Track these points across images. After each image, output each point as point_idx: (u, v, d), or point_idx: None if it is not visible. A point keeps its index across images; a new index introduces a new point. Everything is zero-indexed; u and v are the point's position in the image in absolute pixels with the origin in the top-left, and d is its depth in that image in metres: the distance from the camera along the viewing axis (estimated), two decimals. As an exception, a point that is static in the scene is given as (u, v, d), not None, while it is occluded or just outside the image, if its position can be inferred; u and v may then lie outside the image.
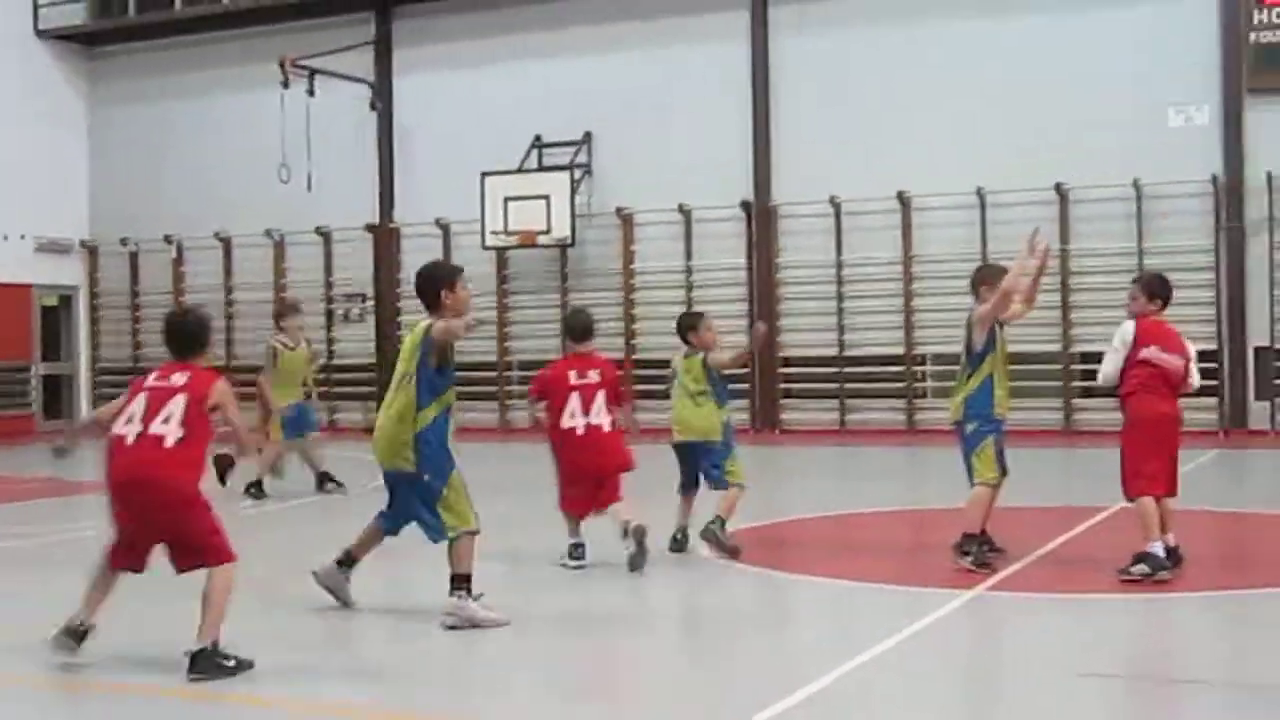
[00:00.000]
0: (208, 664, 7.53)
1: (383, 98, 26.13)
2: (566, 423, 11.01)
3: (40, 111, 28.15)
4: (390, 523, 9.22)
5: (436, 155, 25.69)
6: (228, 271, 27.64)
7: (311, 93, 24.56)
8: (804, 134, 23.39)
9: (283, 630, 8.88)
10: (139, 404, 7.89)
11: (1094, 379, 11.94)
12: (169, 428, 7.75)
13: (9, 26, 27.84)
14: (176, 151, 27.99)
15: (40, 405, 28.20)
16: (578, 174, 24.34)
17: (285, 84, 24.12)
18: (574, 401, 11.02)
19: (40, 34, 28.41)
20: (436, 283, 9.50)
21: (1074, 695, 7.24)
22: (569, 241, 24.20)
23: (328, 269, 26.84)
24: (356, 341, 26.62)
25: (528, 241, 24.26)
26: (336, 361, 26.68)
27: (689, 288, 24.14)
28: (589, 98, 24.57)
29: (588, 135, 24.59)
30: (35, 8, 28.32)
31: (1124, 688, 7.62)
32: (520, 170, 24.55)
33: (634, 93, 24.34)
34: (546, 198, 23.91)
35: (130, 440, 7.78)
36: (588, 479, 11.02)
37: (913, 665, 7.98)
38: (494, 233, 24.26)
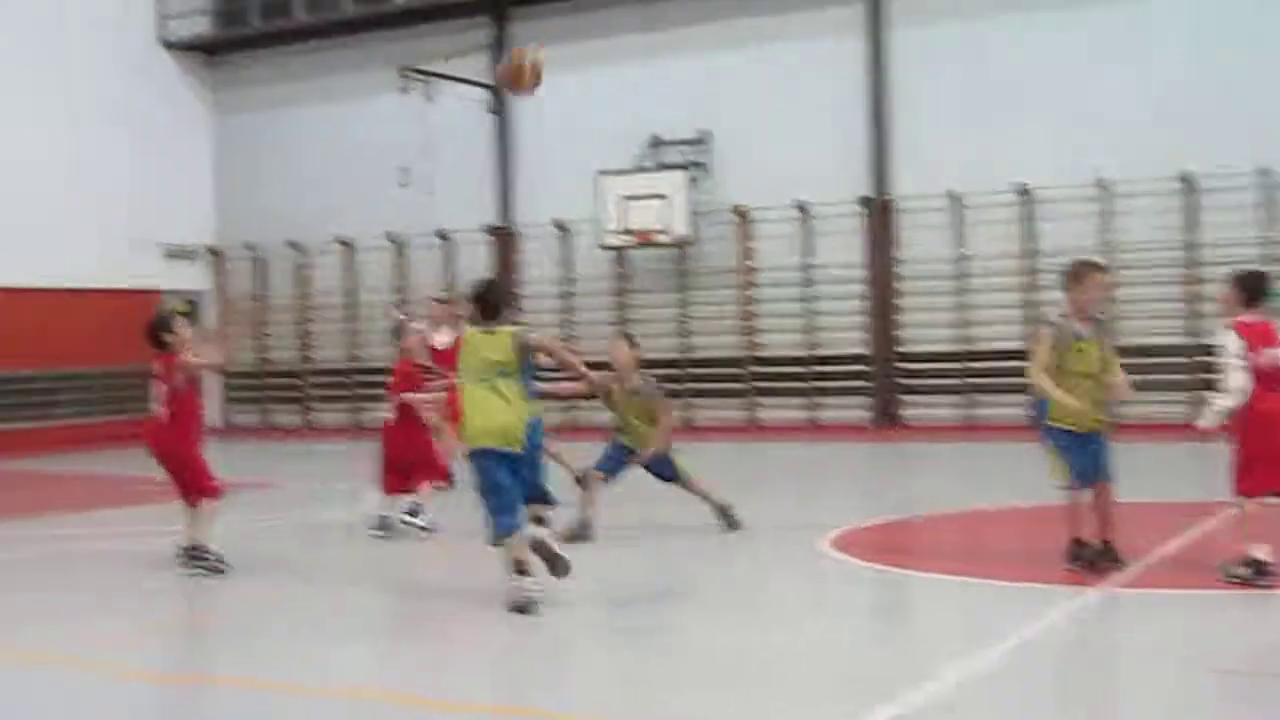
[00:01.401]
0: None
1: (500, 101, 26.31)
2: None
3: (167, 121, 28.75)
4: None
5: (554, 156, 25.82)
6: (350, 275, 27.99)
7: (430, 98, 24.81)
8: (922, 127, 23.18)
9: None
10: None
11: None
12: None
13: (136, 38, 28.43)
14: (298, 158, 28.42)
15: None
16: (695, 172, 24.32)
17: (404, 89, 24.38)
18: None
19: (166, 45, 28.99)
20: (507, 298, 10.38)
21: (1206, 691, 7.10)
22: (687, 240, 24.20)
23: (448, 271, 27.08)
24: (477, 342, 26.77)
25: (645, 241, 24.30)
26: (458, 362, 26.87)
27: (808, 284, 24.03)
28: (706, 95, 24.54)
29: (705, 133, 24.57)
30: (161, 19, 28.89)
31: (1257, 685, 7.46)
32: (637, 170, 24.59)
33: (751, 89, 24.27)
34: (664, 197, 23.93)
35: None
36: None
37: (1039, 661, 7.89)
38: (612, 232, 24.33)
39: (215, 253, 29.53)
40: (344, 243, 27.86)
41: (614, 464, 12.63)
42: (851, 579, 10.54)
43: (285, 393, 28.63)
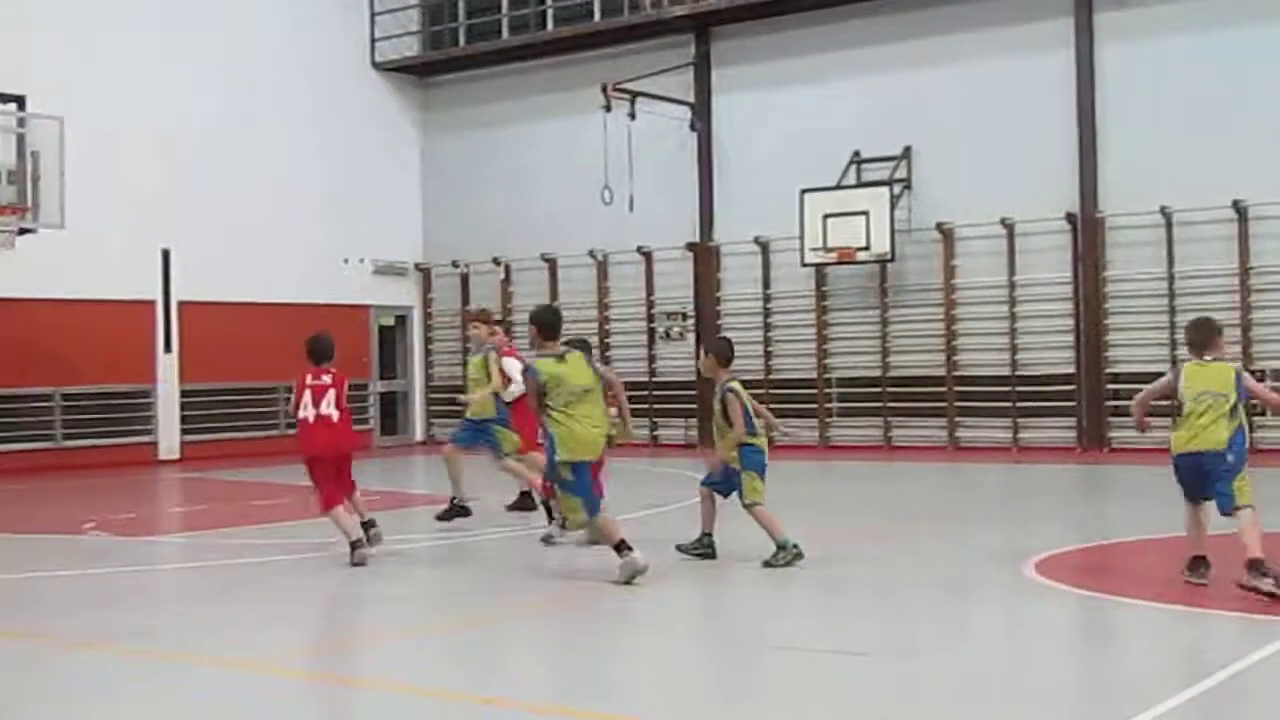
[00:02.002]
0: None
1: (702, 118, 26.40)
2: None
3: (377, 141, 29.48)
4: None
5: (755, 173, 25.82)
6: (553, 291, 28.33)
7: (633, 115, 25.03)
8: (1132, 143, 22.62)
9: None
10: None
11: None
12: None
13: (348, 60, 29.21)
14: (503, 175, 28.88)
15: (378, 421, 29.43)
16: (897, 189, 24.11)
17: (607, 108, 24.63)
18: None
19: (376, 66, 29.73)
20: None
21: None
22: (889, 257, 23.99)
23: (649, 288, 27.24)
24: (677, 359, 26.92)
25: (847, 258, 24.15)
26: (658, 379, 27.07)
27: (1012, 303, 23.62)
28: (908, 112, 24.32)
29: (907, 150, 24.34)
30: (372, 41, 29.64)
31: None
32: (839, 186, 24.46)
33: (954, 105, 23.99)
34: (866, 214, 23.76)
35: None
36: None
37: (1260, 693, 7.62)
38: (813, 249, 24.23)
39: (422, 269, 30.15)
40: (547, 259, 28.21)
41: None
42: (1057, 605, 10.32)
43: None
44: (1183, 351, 13.36)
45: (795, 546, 11.64)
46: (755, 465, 12.35)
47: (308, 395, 12.78)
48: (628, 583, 10.78)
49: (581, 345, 12.12)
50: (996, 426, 23.77)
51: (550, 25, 28.57)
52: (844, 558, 12.57)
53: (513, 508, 15.34)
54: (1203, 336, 10.56)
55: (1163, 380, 10.77)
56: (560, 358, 11.28)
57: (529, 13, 28.84)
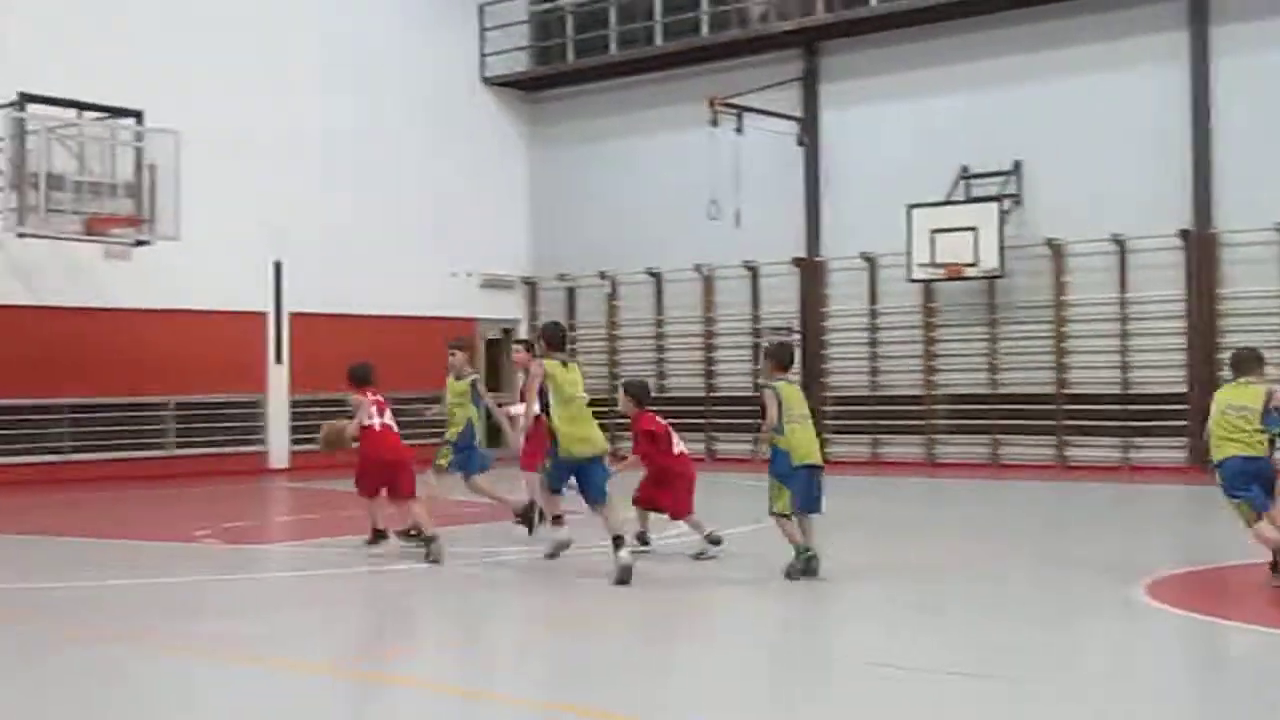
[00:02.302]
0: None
1: (809, 132, 26.33)
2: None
3: (485, 155, 29.71)
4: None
5: (862, 188, 25.70)
6: (658, 305, 28.38)
7: (740, 130, 25.02)
8: (1248, 157, 22.22)
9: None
10: None
11: None
12: None
13: (459, 76, 29.49)
14: (610, 190, 28.98)
15: (483, 434, 29.53)
16: (1006, 204, 23.87)
17: (714, 122, 24.64)
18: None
19: (486, 81, 29.97)
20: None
21: None
22: (998, 273, 23.75)
23: (755, 303, 27.20)
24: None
25: (955, 274, 23.95)
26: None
27: (1123, 320, 23.29)
28: (1018, 126, 24.09)
29: (1017, 164, 24.09)
30: (482, 57, 29.89)
31: None
32: (947, 202, 24.27)
33: (1065, 120, 23.71)
34: (974, 229, 23.56)
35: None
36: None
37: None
38: (920, 265, 24.06)
39: (529, 283, 30.33)
40: (653, 273, 28.26)
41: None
42: (1168, 628, 10.16)
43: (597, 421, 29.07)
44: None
45: (807, 550, 11.91)
46: (776, 472, 12.20)
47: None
48: (552, 556, 12.70)
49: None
50: (1107, 445, 23.44)
51: (658, 40, 28.65)
52: (949, 576, 12.47)
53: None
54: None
55: None
56: (564, 363, 12.65)
57: (637, 28, 28.94)
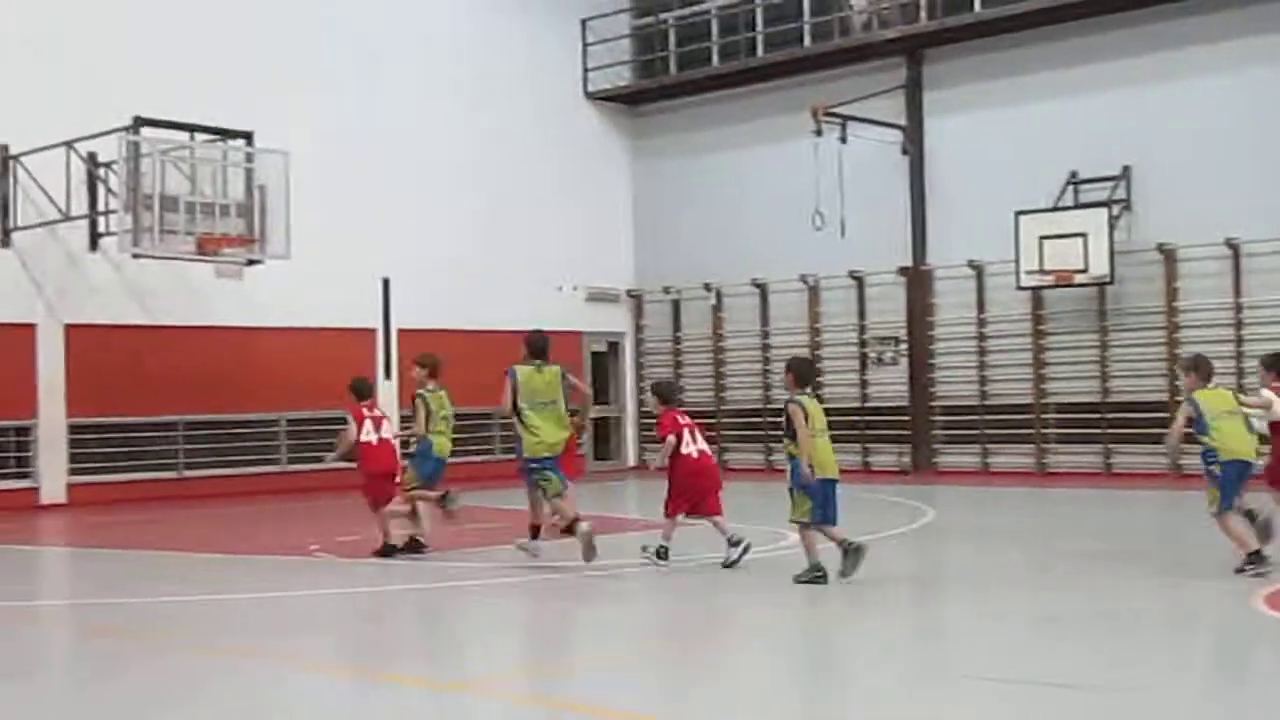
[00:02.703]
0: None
1: (914, 140, 26.16)
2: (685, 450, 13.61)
3: (589, 169, 29.87)
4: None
5: (969, 196, 25.48)
6: (764, 316, 28.31)
7: (844, 139, 24.91)
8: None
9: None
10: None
11: None
12: None
13: (563, 91, 29.67)
14: (714, 201, 28.99)
15: (590, 447, 29.69)
16: (1116, 210, 23.55)
17: (818, 132, 24.55)
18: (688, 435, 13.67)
19: (589, 96, 30.12)
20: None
21: None
22: (1108, 279, 23.43)
23: (860, 313, 27.05)
24: (890, 385, 26.67)
25: (1064, 281, 23.66)
26: (869, 404, 26.85)
27: (1238, 325, 22.87)
28: (1127, 131, 23.76)
29: (1126, 169, 23.77)
30: (585, 72, 30.05)
31: None
32: (1056, 208, 24.00)
33: (1174, 123, 23.35)
34: (1083, 235, 23.27)
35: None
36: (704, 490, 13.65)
37: None
38: (1029, 272, 23.80)
39: (634, 296, 30.40)
40: (758, 284, 28.21)
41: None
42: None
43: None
44: None
45: (820, 569, 12.08)
46: (797, 482, 12.21)
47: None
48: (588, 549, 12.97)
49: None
50: (1222, 453, 22.97)
51: (760, 51, 28.63)
52: (1060, 585, 12.32)
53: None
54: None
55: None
56: (538, 369, 13.82)
57: (739, 39, 28.94)
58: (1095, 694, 8.22)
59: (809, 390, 12.68)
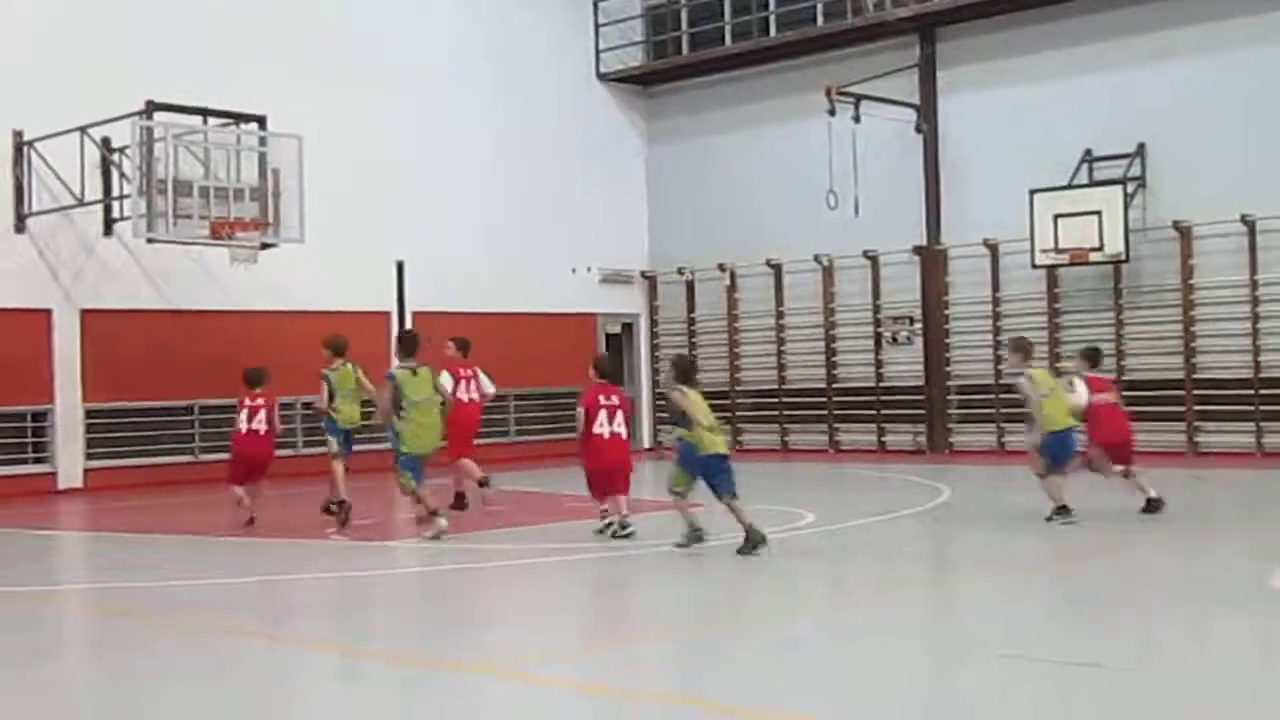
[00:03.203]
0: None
1: (928, 119, 26.09)
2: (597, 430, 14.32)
3: (602, 151, 29.84)
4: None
5: (983, 174, 25.42)
6: (778, 297, 28.29)
7: (857, 119, 24.84)
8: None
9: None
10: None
11: None
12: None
13: (574, 73, 29.63)
14: (727, 183, 28.96)
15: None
16: (1131, 187, 23.47)
17: (831, 112, 24.49)
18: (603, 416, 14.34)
19: (601, 78, 30.07)
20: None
21: None
22: (1123, 257, 23.36)
23: (875, 292, 27.01)
24: (905, 364, 26.65)
25: (1079, 259, 23.60)
26: (884, 384, 26.83)
27: (1254, 302, 22.80)
28: (1141, 108, 23.67)
29: (1141, 147, 23.69)
30: (597, 54, 30.00)
31: None
32: (1070, 186, 23.92)
33: (1189, 99, 23.25)
34: (1098, 213, 23.19)
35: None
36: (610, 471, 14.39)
37: None
38: (1043, 251, 23.74)
39: (648, 277, 30.38)
40: (772, 265, 28.17)
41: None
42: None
43: (715, 414, 29.05)
44: None
45: (698, 529, 13.29)
46: (682, 461, 13.40)
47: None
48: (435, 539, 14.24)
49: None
50: (1238, 431, 22.97)
51: (773, 31, 28.55)
52: (1080, 565, 12.30)
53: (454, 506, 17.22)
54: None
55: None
56: (413, 370, 14.88)
57: (751, 19, 28.86)
58: (1121, 674, 8.22)
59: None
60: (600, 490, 14.48)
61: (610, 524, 14.32)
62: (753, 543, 12.70)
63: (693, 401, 13.33)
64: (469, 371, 17.56)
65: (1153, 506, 15.16)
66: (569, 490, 19.72)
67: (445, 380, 16.67)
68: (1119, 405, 16.30)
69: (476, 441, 17.80)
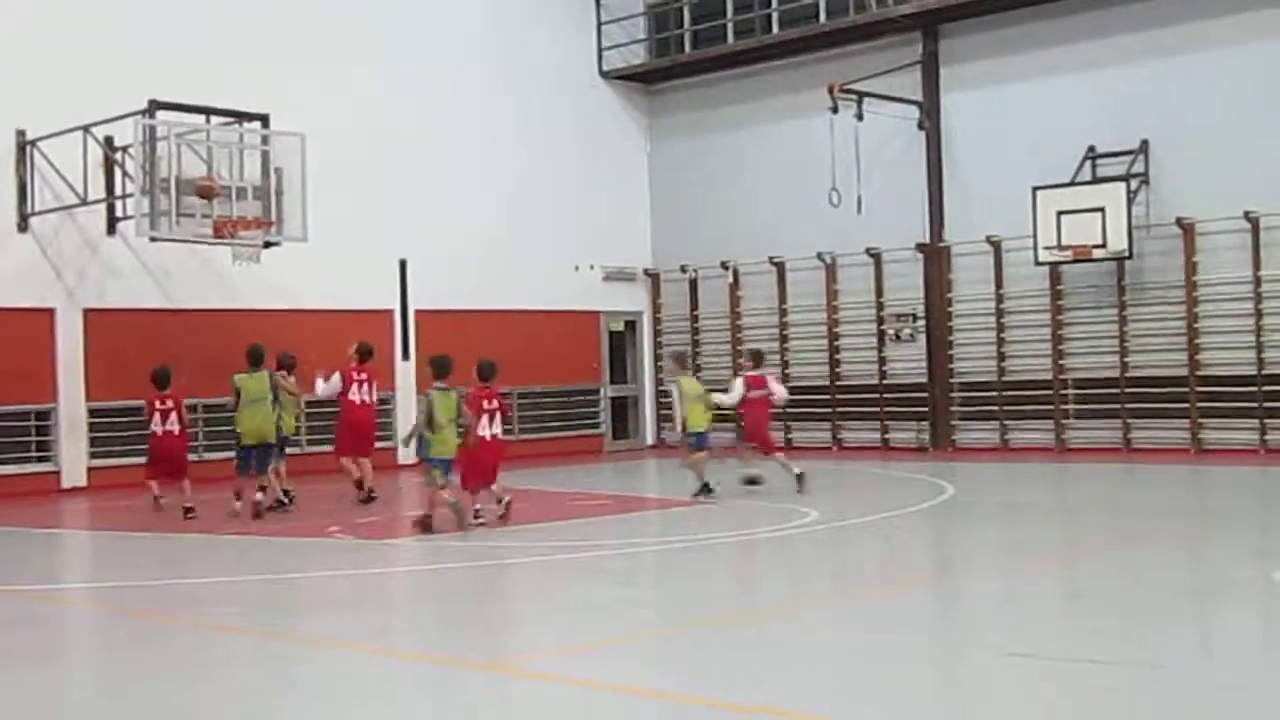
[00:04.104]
0: None
1: (931, 116, 26.07)
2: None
3: (605, 148, 29.83)
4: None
5: (986, 172, 25.40)
6: (781, 294, 28.28)
7: (860, 116, 24.83)
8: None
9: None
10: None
11: None
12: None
13: (577, 71, 29.61)
14: (731, 180, 28.95)
15: (609, 426, 29.72)
16: (1134, 184, 23.45)
17: (834, 109, 24.48)
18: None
19: (604, 75, 30.07)
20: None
21: None
22: (1126, 254, 23.34)
23: (878, 290, 27.00)
24: (908, 361, 26.64)
25: (1082, 256, 23.58)
26: (888, 381, 26.83)
27: (1257, 299, 22.77)
28: (1144, 104, 23.65)
29: (1144, 143, 23.67)
30: (600, 51, 29.99)
31: None
32: (1073, 183, 23.91)
33: (1193, 96, 23.23)
34: (1101, 210, 23.17)
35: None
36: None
37: None
38: (1047, 248, 23.72)
39: (651, 275, 30.38)
40: (775, 262, 28.17)
41: None
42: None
43: (717, 411, 29.03)
44: None
45: (459, 505, 15.28)
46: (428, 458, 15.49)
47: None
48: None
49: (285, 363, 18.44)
50: (1241, 428, 22.96)
51: (775, 28, 28.54)
52: (1083, 561, 12.31)
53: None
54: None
55: None
56: (249, 375, 17.34)
57: (754, 16, 28.85)
58: (1124, 669, 8.22)
59: (444, 385, 15.52)
60: (473, 482, 15.80)
61: (504, 500, 15.81)
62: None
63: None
64: (363, 375, 18.93)
65: (801, 482, 17.69)
66: (572, 489, 19.75)
67: (335, 382, 18.72)
68: (768, 400, 18.96)
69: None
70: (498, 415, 15.88)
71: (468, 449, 15.70)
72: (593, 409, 29.38)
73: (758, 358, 19.58)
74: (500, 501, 15.79)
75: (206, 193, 19.58)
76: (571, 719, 7.61)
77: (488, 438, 15.75)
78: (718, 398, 18.81)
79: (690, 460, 18.01)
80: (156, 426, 17.93)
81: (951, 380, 26.08)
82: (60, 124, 21.46)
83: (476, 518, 15.55)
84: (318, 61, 25.16)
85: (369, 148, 25.47)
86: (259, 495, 17.37)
